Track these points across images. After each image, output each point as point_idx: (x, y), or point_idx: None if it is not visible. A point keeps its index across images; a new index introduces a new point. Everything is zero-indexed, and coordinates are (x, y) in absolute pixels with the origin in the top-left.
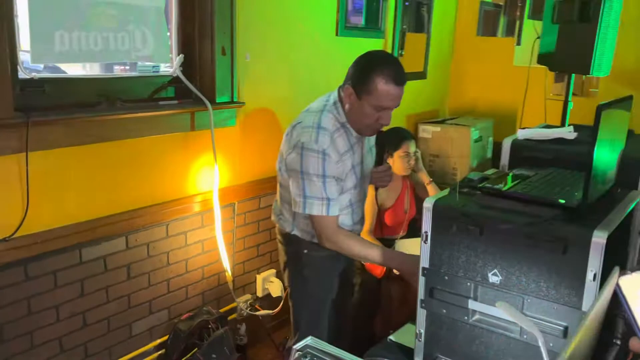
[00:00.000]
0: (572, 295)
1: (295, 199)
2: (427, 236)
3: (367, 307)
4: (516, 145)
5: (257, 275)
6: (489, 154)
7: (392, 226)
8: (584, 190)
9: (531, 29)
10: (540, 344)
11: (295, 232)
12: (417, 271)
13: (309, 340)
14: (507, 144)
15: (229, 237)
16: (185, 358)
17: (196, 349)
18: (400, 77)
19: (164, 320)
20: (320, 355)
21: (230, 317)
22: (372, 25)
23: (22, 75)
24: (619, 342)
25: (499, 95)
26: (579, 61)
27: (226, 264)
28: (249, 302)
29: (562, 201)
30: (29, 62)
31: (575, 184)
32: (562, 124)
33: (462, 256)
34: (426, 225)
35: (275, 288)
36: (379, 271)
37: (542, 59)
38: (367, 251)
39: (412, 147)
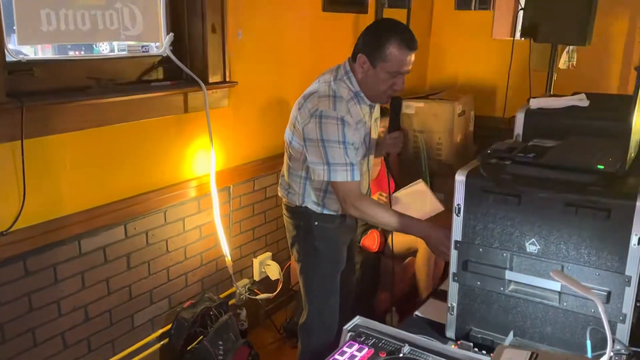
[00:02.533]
0: (615, 260)
1: (316, 167)
2: (459, 209)
3: (367, 284)
4: (530, 115)
5: (254, 259)
6: (471, 127)
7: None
8: (623, 154)
9: (511, 1)
10: (600, 310)
11: (306, 204)
12: (442, 241)
13: (357, 320)
14: (520, 114)
15: (225, 221)
16: (191, 347)
17: (201, 337)
18: (413, 42)
19: (165, 310)
20: (372, 333)
21: (230, 303)
22: (356, 0)
23: (9, 58)
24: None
25: (478, 69)
26: (567, 32)
27: (225, 249)
28: (247, 287)
29: (601, 167)
30: (15, 43)
31: (605, 151)
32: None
33: (498, 227)
34: (459, 198)
35: (273, 271)
36: (374, 246)
37: (527, 31)
38: (393, 219)
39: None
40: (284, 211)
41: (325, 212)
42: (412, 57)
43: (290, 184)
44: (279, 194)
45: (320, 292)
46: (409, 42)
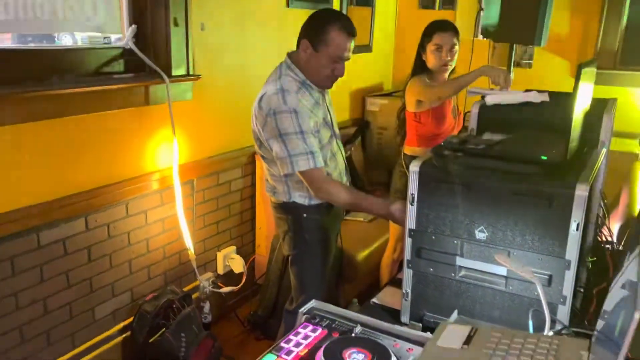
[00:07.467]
0: (556, 245)
1: (282, 162)
2: (413, 198)
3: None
4: (484, 110)
5: (218, 253)
6: None
7: (433, 135)
8: (564, 146)
9: (473, 1)
10: (539, 289)
11: (293, 199)
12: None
13: (313, 303)
14: (475, 108)
15: (188, 214)
16: (153, 339)
17: (164, 329)
18: (352, 29)
19: (127, 303)
20: (326, 315)
21: (193, 296)
22: None
23: None
24: (582, 290)
25: None
26: (523, 32)
27: (188, 242)
28: (210, 280)
29: (545, 158)
30: None
31: (550, 143)
32: None
33: (449, 215)
34: (413, 187)
35: (237, 264)
36: None
37: (486, 31)
38: (356, 201)
39: (447, 40)
40: (273, 209)
41: (313, 202)
42: (352, 44)
43: (275, 185)
44: (267, 194)
45: (311, 281)
46: (348, 27)
